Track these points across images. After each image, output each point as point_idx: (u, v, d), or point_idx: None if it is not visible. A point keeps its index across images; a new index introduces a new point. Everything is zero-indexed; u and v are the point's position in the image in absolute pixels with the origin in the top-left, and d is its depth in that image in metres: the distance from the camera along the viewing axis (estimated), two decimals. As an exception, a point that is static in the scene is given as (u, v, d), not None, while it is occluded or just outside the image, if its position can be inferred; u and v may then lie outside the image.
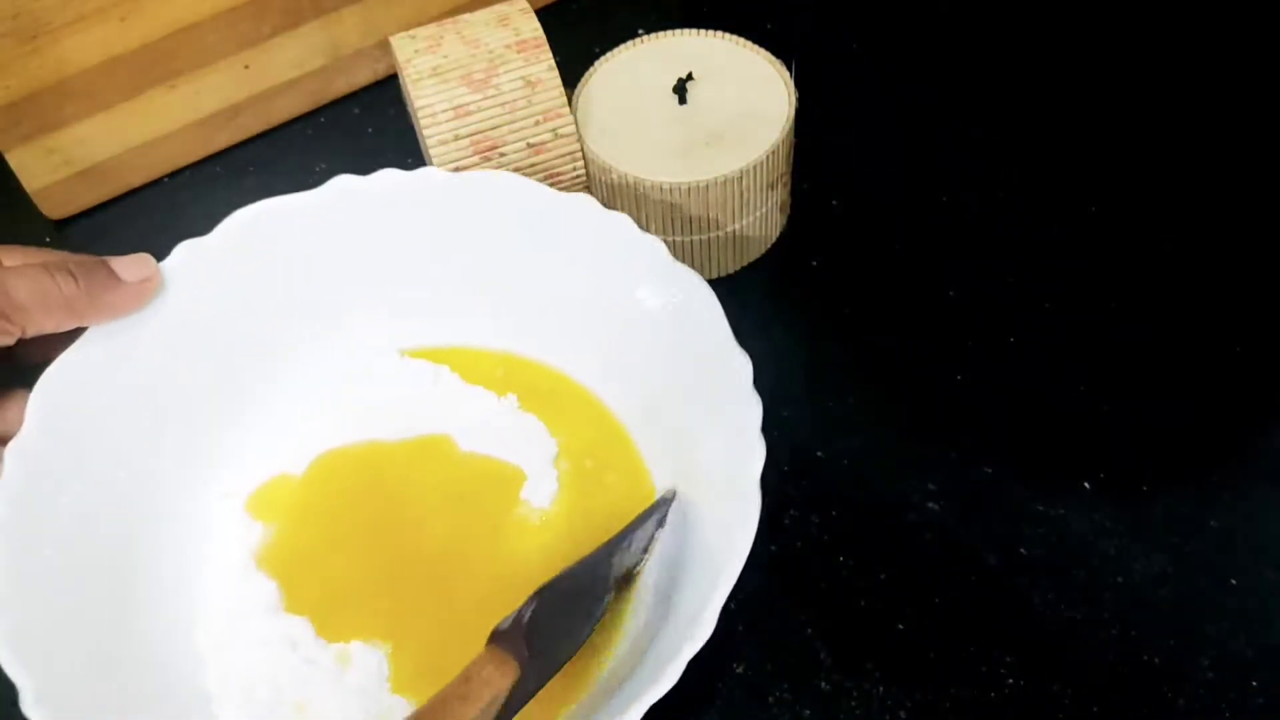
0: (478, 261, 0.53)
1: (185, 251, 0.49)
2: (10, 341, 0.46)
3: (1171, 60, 0.66)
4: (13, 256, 0.48)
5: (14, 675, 0.41)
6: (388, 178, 0.51)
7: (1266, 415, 0.54)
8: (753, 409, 0.45)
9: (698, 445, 0.48)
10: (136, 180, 0.66)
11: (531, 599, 0.44)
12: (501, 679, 0.42)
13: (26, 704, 0.41)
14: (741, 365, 0.46)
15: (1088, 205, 0.61)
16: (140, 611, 0.47)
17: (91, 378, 0.48)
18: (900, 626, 0.49)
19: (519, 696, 0.42)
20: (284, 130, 0.67)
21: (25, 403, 0.48)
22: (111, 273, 0.47)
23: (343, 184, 0.51)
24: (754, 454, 0.44)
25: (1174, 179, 0.61)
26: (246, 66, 0.64)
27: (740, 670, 0.49)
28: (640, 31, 0.60)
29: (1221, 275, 0.58)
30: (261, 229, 0.51)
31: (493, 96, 0.54)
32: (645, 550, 0.48)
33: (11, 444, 0.46)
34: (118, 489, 0.48)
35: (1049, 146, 0.63)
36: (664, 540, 0.48)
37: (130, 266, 0.48)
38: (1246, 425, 0.54)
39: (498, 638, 0.43)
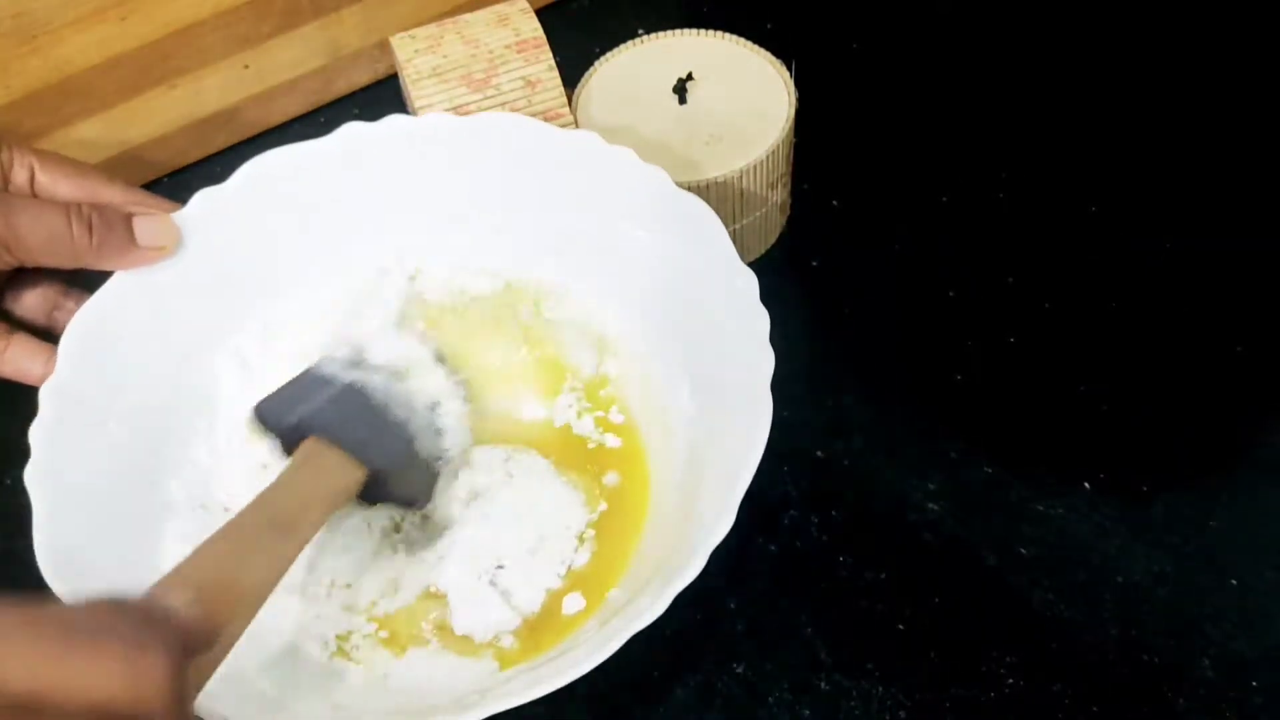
0: (486, 201, 0.54)
1: (203, 199, 0.51)
2: (4, 269, 0.47)
3: (1172, 60, 0.66)
4: (52, 172, 0.50)
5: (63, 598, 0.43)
6: (396, 123, 0.52)
7: (1266, 415, 0.54)
8: (760, 320, 0.46)
9: (711, 360, 0.49)
10: (136, 180, 0.65)
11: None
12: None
13: None
14: (747, 281, 0.47)
15: (1088, 205, 0.61)
16: (170, 535, 0.50)
17: (119, 318, 0.50)
18: (900, 626, 0.49)
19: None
20: (284, 130, 0.67)
21: (30, 343, 0.50)
22: (129, 232, 0.49)
23: (351, 130, 0.52)
24: (765, 361, 0.45)
25: (1174, 179, 0.61)
26: (246, 66, 0.64)
27: (740, 670, 0.49)
28: (640, 31, 0.60)
29: (1222, 274, 0.58)
30: (275, 176, 0.52)
31: (493, 96, 0.54)
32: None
33: (45, 385, 0.47)
34: (146, 422, 0.50)
35: (1049, 146, 0.63)
36: (691, 436, 0.50)
37: (150, 231, 0.49)
38: (1246, 425, 0.54)
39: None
